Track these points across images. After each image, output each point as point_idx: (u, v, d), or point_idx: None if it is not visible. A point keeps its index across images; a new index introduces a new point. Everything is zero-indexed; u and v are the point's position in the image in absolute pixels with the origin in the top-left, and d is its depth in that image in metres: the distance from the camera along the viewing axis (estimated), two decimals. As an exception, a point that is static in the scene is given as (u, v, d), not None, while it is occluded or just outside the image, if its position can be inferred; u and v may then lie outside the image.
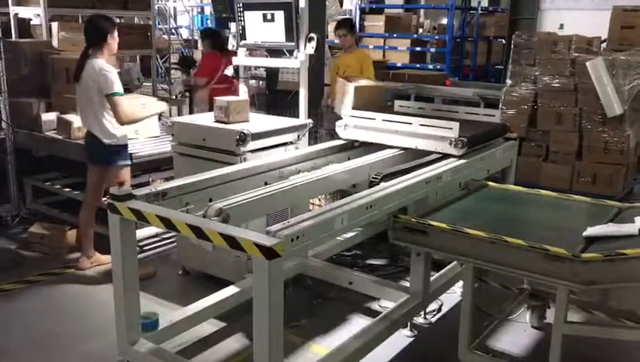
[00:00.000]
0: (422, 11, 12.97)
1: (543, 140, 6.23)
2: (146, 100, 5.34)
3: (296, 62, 4.83)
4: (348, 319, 3.99)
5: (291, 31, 4.73)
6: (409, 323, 3.76)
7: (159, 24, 14.14)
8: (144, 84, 8.46)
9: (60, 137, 5.26)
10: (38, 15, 6.66)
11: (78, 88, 4.43)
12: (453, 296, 4.18)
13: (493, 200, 3.64)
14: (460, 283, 3.90)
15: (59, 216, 5.50)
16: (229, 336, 3.74)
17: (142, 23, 9.55)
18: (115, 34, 4.43)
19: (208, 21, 14.95)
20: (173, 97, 8.58)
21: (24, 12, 6.93)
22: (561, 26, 10.67)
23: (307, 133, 4.48)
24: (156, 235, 5.16)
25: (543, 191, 3.84)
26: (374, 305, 4.14)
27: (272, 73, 6.06)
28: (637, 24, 6.97)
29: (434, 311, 4.07)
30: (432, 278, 3.75)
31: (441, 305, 4.13)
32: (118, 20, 7.57)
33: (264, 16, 4.86)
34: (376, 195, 3.04)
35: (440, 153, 3.81)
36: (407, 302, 3.56)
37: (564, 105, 6.08)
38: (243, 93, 5.29)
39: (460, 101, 6.90)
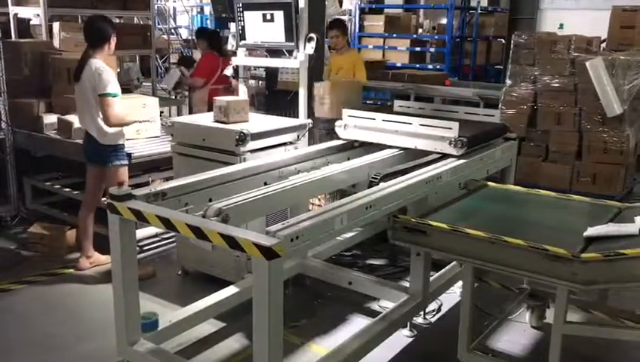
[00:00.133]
0: (421, 11, 12.95)
1: (542, 140, 6.22)
2: (147, 101, 5.35)
3: (295, 62, 4.84)
4: (348, 319, 3.99)
5: (291, 31, 4.74)
6: (409, 323, 3.76)
7: (159, 24, 14.14)
8: (144, 84, 8.45)
9: (60, 137, 5.26)
10: (38, 15, 6.66)
11: (77, 88, 4.44)
12: (452, 296, 4.18)
13: (493, 201, 3.63)
14: (460, 283, 3.89)
15: (58, 216, 5.50)
16: (229, 336, 3.74)
17: (141, 22, 9.54)
18: (114, 35, 4.44)
19: (208, 21, 14.94)
20: (173, 97, 8.57)
21: (24, 12, 6.92)
22: (561, 26, 10.68)
23: (307, 133, 4.48)
24: (156, 235, 5.17)
25: (542, 191, 3.84)
26: (374, 305, 4.15)
27: (272, 73, 6.06)
28: (636, 24, 6.94)
29: (433, 311, 4.07)
30: (431, 278, 3.75)
31: (441, 305, 4.13)
32: (117, 20, 7.58)
33: (264, 16, 4.86)
34: (375, 195, 3.04)
35: (440, 153, 3.81)
36: (407, 302, 3.56)
37: (564, 105, 6.07)
38: (242, 93, 5.29)
39: (459, 101, 6.89)
